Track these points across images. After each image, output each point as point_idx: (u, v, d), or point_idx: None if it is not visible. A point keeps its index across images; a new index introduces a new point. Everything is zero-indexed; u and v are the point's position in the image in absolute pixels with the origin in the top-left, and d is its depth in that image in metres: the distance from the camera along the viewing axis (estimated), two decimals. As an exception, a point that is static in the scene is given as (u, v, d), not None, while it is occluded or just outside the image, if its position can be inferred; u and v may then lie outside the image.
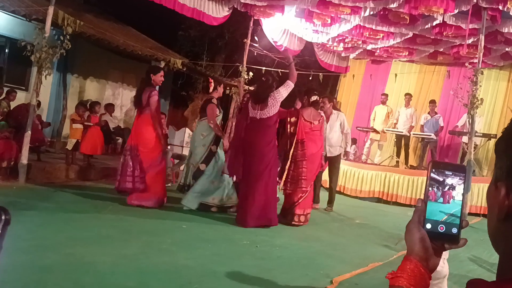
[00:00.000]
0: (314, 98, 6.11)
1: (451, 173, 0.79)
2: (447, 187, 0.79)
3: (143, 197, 5.81)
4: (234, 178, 6.11)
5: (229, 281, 3.48)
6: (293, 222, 5.83)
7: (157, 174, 5.93)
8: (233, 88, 11.49)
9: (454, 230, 0.78)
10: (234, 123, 7.08)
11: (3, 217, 0.56)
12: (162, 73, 6.09)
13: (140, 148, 5.83)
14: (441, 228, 0.78)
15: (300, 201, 5.86)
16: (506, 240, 0.70)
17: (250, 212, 5.43)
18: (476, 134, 8.45)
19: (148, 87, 5.92)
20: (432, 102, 10.25)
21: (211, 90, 6.42)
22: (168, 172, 7.64)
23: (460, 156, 10.16)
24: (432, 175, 0.79)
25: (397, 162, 10.35)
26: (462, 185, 0.79)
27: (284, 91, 5.63)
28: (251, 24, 9.71)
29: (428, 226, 0.78)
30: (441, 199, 0.78)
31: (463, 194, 0.78)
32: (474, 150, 8.10)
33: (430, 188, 0.79)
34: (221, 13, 8.49)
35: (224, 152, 6.26)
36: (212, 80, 6.61)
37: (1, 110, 7.31)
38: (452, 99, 9.98)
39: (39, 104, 7.76)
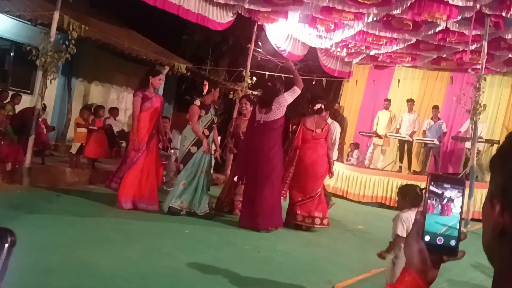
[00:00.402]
0: (318, 106, 6.15)
1: (449, 186, 0.80)
2: (445, 200, 0.80)
3: (119, 197, 5.73)
4: (235, 179, 6.13)
5: (231, 286, 3.49)
6: (295, 222, 5.90)
7: (127, 174, 5.79)
8: (236, 92, 11.51)
9: (453, 243, 0.79)
10: (233, 127, 7.05)
11: (8, 239, 0.58)
12: (160, 76, 6.11)
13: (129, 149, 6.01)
14: (440, 241, 0.79)
15: (302, 202, 5.92)
16: (501, 256, 0.71)
17: (260, 215, 5.49)
18: (479, 140, 8.45)
19: (140, 89, 5.91)
20: (435, 107, 10.25)
21: (204, 92, 6.42)
22: (171, 176, 7.66)
23: (463, 162, 10.14)
24: (431, 187, 0.80)
25: (400, 167, 10.34)
26: (461, 198, 0.80)
27: (289, 97, 5.68)
28: (255, 29, 9.75)
29: (427, 238, 0.79)
30: (439, 212, 0.80)
31: (461, 207, 0.80)
32: (477, 156, 8.09)
33: (429, 201, 0.80)
34: (225, 18, 8.52)
35: (212, 155, 6.16)
36: (206, 83, 6.63)
37: (6, 114, 7.35)
38: (455, 105, 9.99)
39: (44, 107, 7.80)
